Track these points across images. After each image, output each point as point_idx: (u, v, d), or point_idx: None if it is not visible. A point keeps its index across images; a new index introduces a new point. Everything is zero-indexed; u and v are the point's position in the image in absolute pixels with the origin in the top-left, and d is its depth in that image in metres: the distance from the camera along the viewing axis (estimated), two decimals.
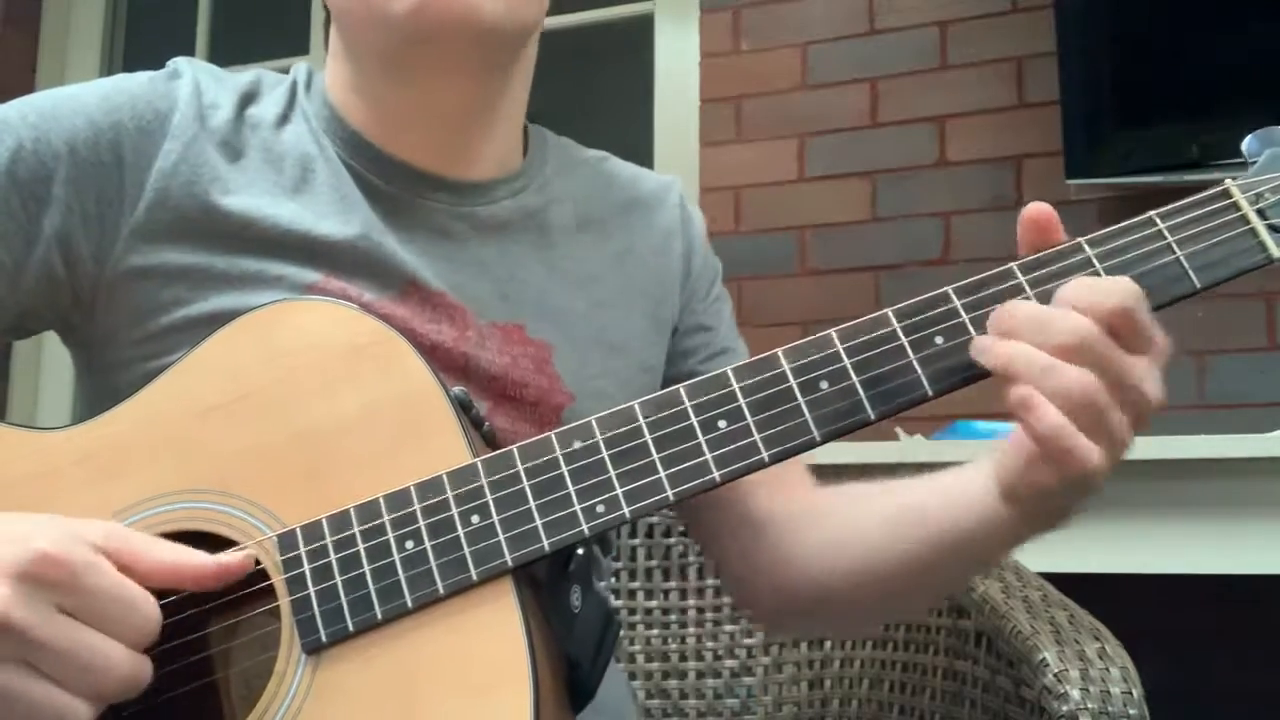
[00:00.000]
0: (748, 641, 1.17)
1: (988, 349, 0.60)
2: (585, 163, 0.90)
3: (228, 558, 0.60)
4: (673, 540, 1.21)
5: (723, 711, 1.15)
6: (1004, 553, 0.71)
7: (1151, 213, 0.62)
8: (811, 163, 2.22)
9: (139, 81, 0.77)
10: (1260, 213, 0.61)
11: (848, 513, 0.79)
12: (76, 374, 0.81)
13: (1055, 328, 0.58)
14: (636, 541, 1.21)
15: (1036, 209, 0.63)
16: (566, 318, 0.82)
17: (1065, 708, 0.75)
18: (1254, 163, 0.63)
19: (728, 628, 1.18)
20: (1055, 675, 0.77)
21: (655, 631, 1.19)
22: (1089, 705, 0.75)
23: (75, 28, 2.80)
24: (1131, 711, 0.75)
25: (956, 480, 0.70)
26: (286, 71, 0.84)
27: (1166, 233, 0.61)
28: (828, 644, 1.13)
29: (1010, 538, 0.67)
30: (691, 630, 1.18)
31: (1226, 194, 0.62)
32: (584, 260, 0.84)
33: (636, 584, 1.20)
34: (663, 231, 0.89)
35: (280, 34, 2.66)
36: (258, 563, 0.61)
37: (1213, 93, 1.86)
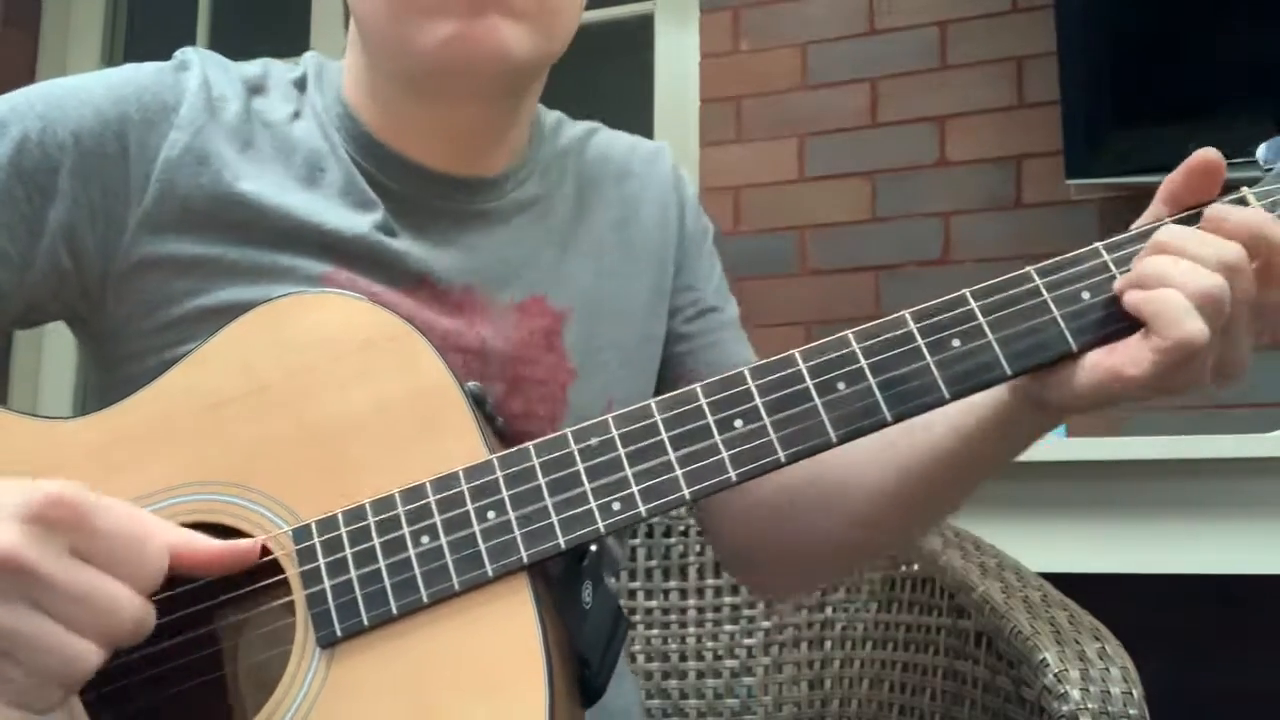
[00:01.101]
0: (748, 641, 1.17)
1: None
2: (577, 138, 0.90)
3: (236, 542, 0.60)
4: (673, 540, 1.21)
5: (723, 711, 1.15)
6: (1019, 448, 0.70)
7: (1168, 219, 0.62)
8: (811, 163, 2.22)
9: (147, 72, 0.77)
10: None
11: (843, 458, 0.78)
12: (87, 366, 0.81)
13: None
14: (636, 541, 1.21)
15: (1207, 156, 0.62)
16: (578, 287, 0.82)
17: (1065, 708, 0.75)
18: (1269, 169, 0.63)
19: (728, 628, 1.18)
20: (1055, 675, 0.77)
21: (655, 631, 1.19)
22: (1089, 705, 0.75)
23: (75, 28, 2.80)
24: (1131, 711, 0.75)
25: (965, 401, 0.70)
26: None
27: None
28: (828, 644, 1.13)
29: (1028, 436, 0.68)
30: (691, 630, 1.18)
31: (1244, 201, 0.62)
32: (588, 231, 0.85)
33: (636, 584, 1.20)
34: (659, 199, 0.89)
35: (280, 33, 2.66)
36: (267, 552, 0.61)
37: (1213, 93, 1.86)
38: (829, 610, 1.12)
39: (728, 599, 1.18)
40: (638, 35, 2.43)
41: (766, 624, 1.17)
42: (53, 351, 2.64)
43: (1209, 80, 1.87)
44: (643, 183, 0.89)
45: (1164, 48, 1.91)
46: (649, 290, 0.87)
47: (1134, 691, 0.76)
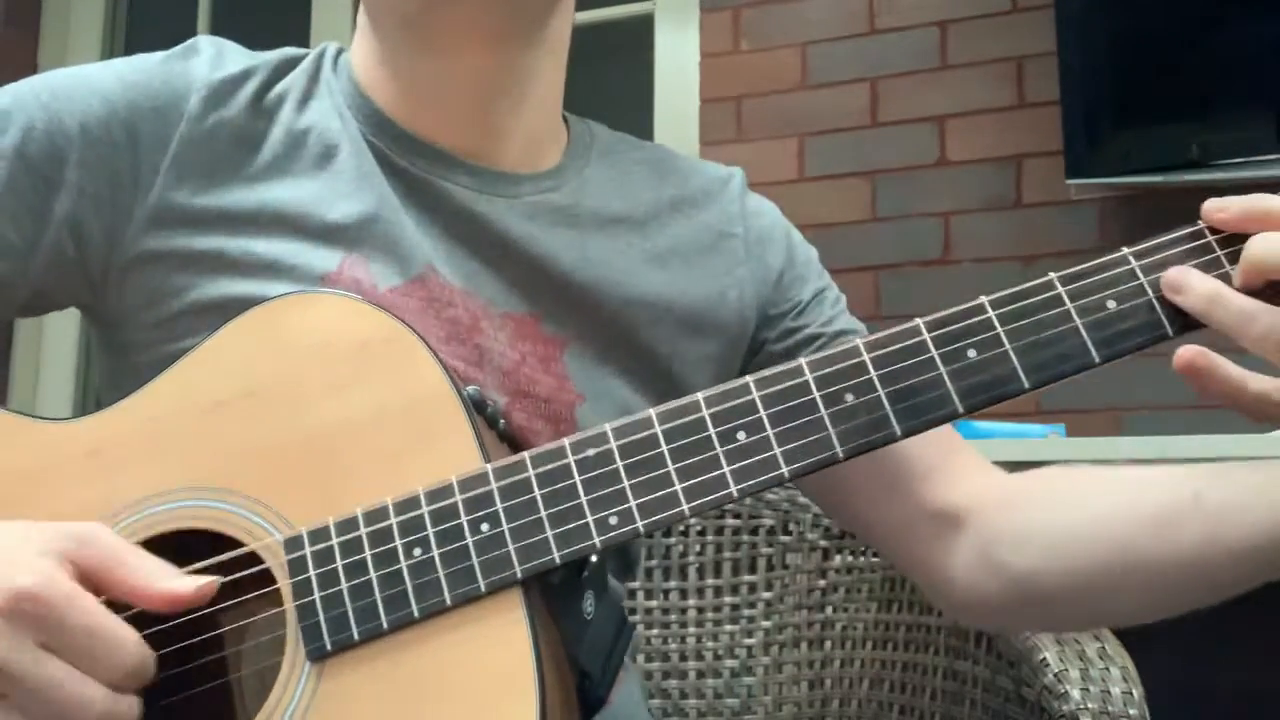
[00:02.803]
0: (748, 641, 1.17)
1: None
2: (635, 161, 0.86)
3: (182, 587, 0.57)
4: (673, 540, 1.21)
5: (723, 711, 1.15)
6: None
7: (1202, 223, 0.59)
8: (811, 163, 2.22)
9: (156, 60, 0.76)
10: None
11: (1093, 500, 0.72)
12: (95, 348, 0.80)
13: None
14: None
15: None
16: (590, 312, 0.78)
17: (1065, 708, 0.75)
18: None
19: (728, 628, 1.18)
20: (1055, 675, 0.77)
21: (655, 631, 1.19)
22: (1089, 705, 0.75)
23: (75, 28, 2.80)
24: (1131, 711, 0.75)
25: (1247, 479, 0.65)
26: None
27: (1215, 245, 0.58)
28: (828, 644, 1.13)
29: None
30: (691, 630, 1.18)
31: None
32: (620, 255, 0.81)
33: (636, 584, 1.20)
34: (714, 230, 0.85)
35: (281, 33, 2.66)
36: (259, 561, 0.61)
37: (1213, 93, 1.86)
38: (829, 610, 1.12)
39: (728, 599, 1.18)
40: (638, 35, 2.43)
41: (766, 624, 1.17)
42: (52, 350, 2.65)
43: (1209, 80, 1.87)
44: (696, 213, 0.85)
45: (1164, 48, 1.91)
46: (678, 324, 0.81)
47: (1134, 691, 0.76)
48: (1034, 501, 0.75)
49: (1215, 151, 1.80)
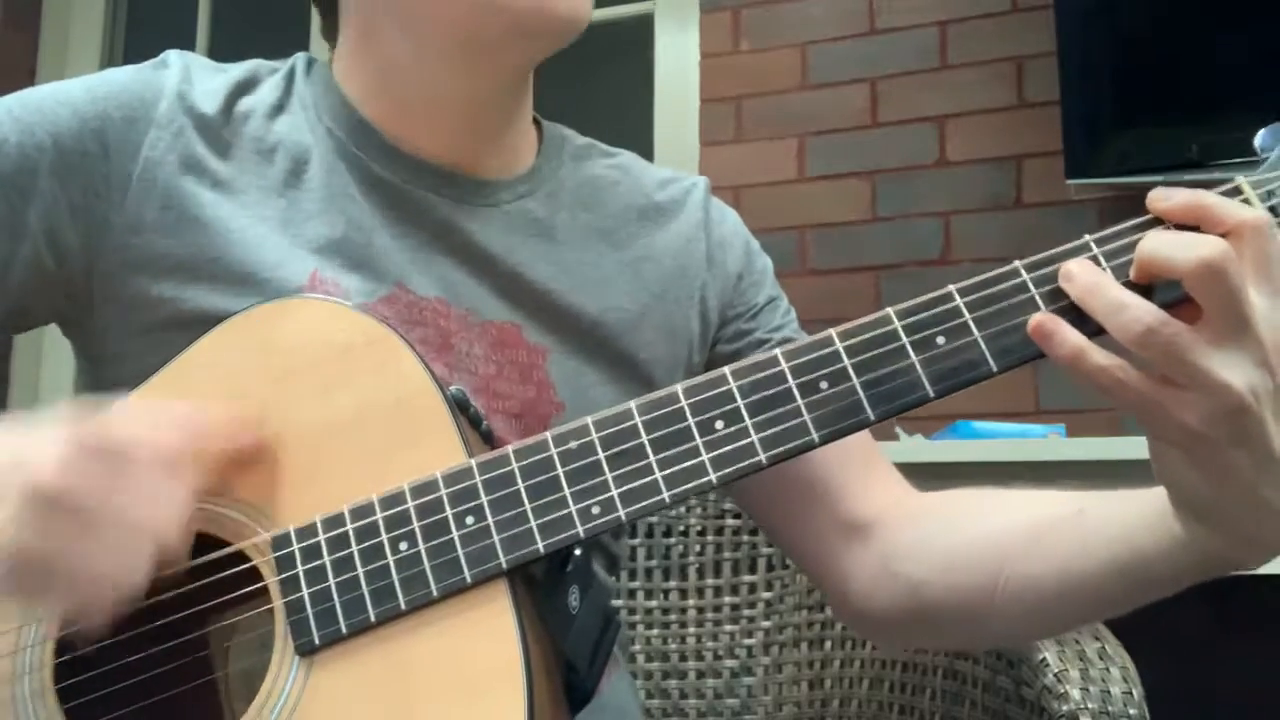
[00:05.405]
0: (748, 641, 1.17)
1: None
2: (604, 168, 0.87)
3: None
4: (673, 540, 1.21)
5: (723, 711, 1.15)
6: (1181, 580, 0.63)
7: (1162, 211, 0.60)
8: (811, 163, 2.22)
9: (126, 72, 0.76)
10: (1273, 209, 0.60)
11: (984, 517, 0.74)
12: (76, 362, 0.80)
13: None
14: (636, 541, 1.21)
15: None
16: (571, 321, 0.80)
17: (1065, 708, 0.75)
18: (1265, 158, 0.62)
19: (728, 628, 1.18)
20: (1055, 675, 0.77)
21: (655, 631, 1.19)
22: (1089, 705, 0.75)
23: (75, 28, 2.81)
24: (1131, 711, 0.75)
25: (1127, 496, 0.65)
26: None
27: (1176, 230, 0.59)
28: (828, 644, 1.13)
29: (1189, 562, 0.61)
30: (691, 630, 1.18)
31: (1238, 190, 0.60)
32: (596, 265, 0.82)
33: (636, 584, 1.20)
34: (681, 237, 0.86)
35: (280, 35, 2.66)
36: (246, 559, 0.61)
37: (1213, 93, 1.86)
38: (829, 610, 1.12)
39: (728, 599, 1.18)
40: (638, 35, 2.44)
41: (766, 624, 1.17)
42: (52, 354, 2.65)
43: (1209, 80, 1.87)
44: (665, 222, 0.86)
45: (1164, 48, 1.91)
46: (657, 332, 0.83)
47: (1134, 691, 0.76)
48: (936, 517, 0.77)
49: (1215, 151, 1.80)
